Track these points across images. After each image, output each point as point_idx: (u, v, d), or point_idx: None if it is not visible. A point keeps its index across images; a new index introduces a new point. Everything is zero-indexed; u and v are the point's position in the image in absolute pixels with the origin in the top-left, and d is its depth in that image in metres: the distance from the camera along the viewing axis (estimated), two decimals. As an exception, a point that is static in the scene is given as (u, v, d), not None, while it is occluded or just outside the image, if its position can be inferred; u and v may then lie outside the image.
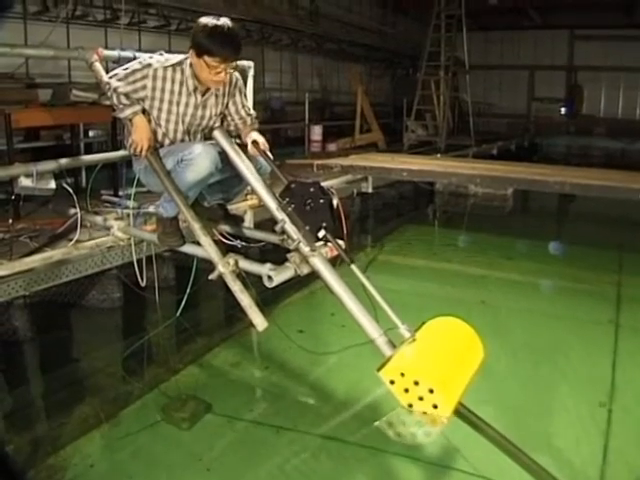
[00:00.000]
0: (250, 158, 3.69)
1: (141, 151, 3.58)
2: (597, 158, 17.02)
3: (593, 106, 19.94)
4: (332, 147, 11.89)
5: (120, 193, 5.66)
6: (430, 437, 3.20)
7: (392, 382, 2.95)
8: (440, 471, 3.18)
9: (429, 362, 2.99)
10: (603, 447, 3.32)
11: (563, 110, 20.15)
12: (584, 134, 19.00)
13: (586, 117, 19.82)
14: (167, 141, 3.70)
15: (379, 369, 2.99)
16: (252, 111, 3.91)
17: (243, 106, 3.83)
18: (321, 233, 3.37)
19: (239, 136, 3.85)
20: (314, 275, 3.45)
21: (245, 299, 3.32)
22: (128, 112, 3.58)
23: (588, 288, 6.18)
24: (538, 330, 4.99)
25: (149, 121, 3.62)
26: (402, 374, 2.92)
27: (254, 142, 3.66)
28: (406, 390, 2.92)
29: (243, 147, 3.76)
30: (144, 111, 3.61)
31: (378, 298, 3.22)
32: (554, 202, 10.94)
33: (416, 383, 2.89)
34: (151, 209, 4.70)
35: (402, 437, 3.20)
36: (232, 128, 3.86)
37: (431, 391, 2.87)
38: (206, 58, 3.42)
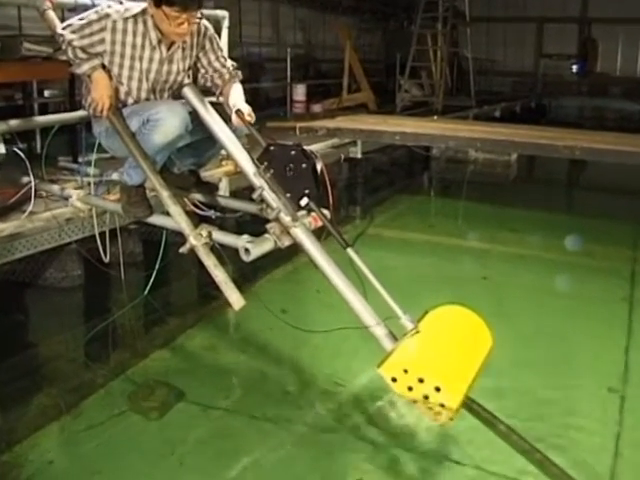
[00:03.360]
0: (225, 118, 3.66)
1: (102, 111, 3.55)
2: (612, 121, 17.07)
3: (608, 63, 19.93)
4: (317, 108, 11.83)
5: (79, 159, 5.59)
6: (423, 425, 3.24)
7: (394, 380, 2.97)
8: (439, 463, 3.21)
9: (435, 357, 3.00)
10: (615, 437, 3.36)
11: (575, 68, 20.14)
12: (598, 95, 19.03)
13: (600, 76, 19.82)
14: (131, 100, 3.67)
15: (379, 365, 3.00)
16: (229, 62, 3.87)
17: (217, 57, 3.79)
18: (304, 201, 3.36)
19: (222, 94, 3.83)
20: (297, 248, 3.45)
21: (220, 275, 3.32)
22: (85, 67, 3.54)
23: (600, 264, 6.24)
24: (544, 309, 5.02)
25: (110, 78, 3.58)
26: (405, 370, 2.94)
27: (238, 112, 3.63)
28: (410, 388, 2.94)
29: (220, 106, 3.74)
30: (104, 66, 3.57)
31: (376, 283, 3.22)
32: (563, 169, 10.99)
33: (421, 380, 2.91)
34: (114, 176, 4.66)
35: (406, 418, 3.23)
36: (209, 84, 3.84)
37: (437, 389, 2.89)
38: (165, 8, 3.37)
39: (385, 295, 3.21)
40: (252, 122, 3.64)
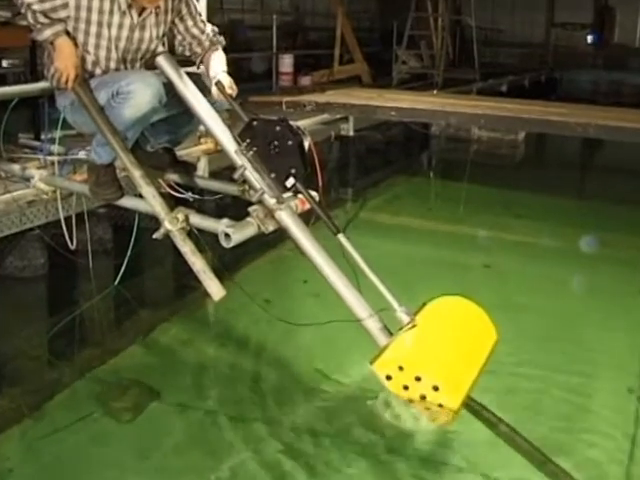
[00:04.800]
0: (203, 90, 3.65)
1: (66, 82, 3.53)
2: (630, 97, 17.03)
3: (627, 34, 19.99)
4: (305, 81, 11.80)
5: (42, 136, 5.56)
6: (419, 426, 3.26)
7: (389, 377, 2.99)
8: (437, 468, 3.24)
9: (433, 353, 3.02)
10: (630, 440, 3.39)
11: (590, 38, 20.16)
12: (615, 68, 19.03)
13: (618, 47, 19.86)
14: (98, 71, 3.66)
15: (372, 362, 3.02)
16: (209, 27, 3.87)
17: (195, 23, 3.79)
18: (290, 182, 3.37)
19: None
20: (283, 234, 3.46)
21: (198, 263, 3.32)
22: (48, 33, 3.51)
23: (613, 253, 6.27)
24: (553, 301, 5.05)
25: (76, 45, 3.56)
26: (401, 368, 2.96)
27: (218, 84, 3.62)
28: (405, 387, 2.96)
29: (198, 76, 3.73)
30: (69, 33, 3.55)
31: (369, 272, 3.23)
32: (575, 149, 11.02)
33: (418, 379, 2.93)
34: (81, 155, 4.65)
35: (400, 419, 3.24)
36: (187, 53, 3.83)
37: (436, 388, 2.92)
38: None
39: (379, 285, 3.22)
40: (234, 95, 3.64)
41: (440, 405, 2.94)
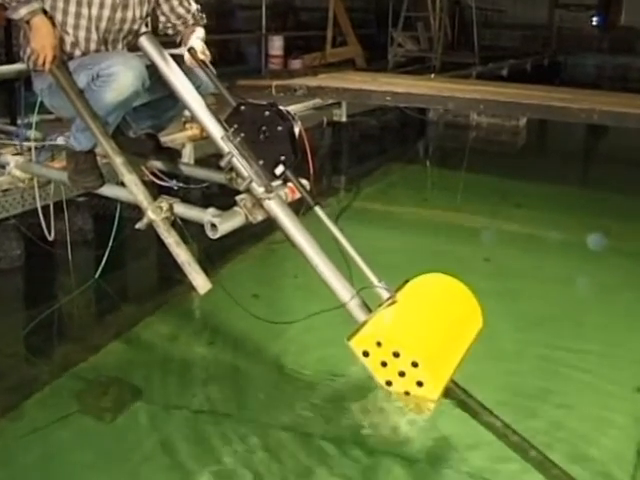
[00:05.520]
0: (188, 73, 3.64)
1: (44, 64, 3.51)
2: (637, 82, 17.10)
3: (634, 15, 19.93)
4: (296, 64, 11.79)
5: (18, 121, 5.54)
6: (415, 427, 3.26)
7: (366, 354, 2.99)
8: (434, 470, 3.25)
9: (412, 328, 3.03)
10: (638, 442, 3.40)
11: (595, 20, 20.17)
12: (621, 51, 19.07)
13: (625, 29, 19.88)
14: (78, 52, 3.65)
15: (350, 337, 3.02)
16: (194, 6, 3.87)
17: (181, 2, 3.79)
18: (279, 169, 3.37)
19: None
20: (272, 224, 3.46)
21: (182, 254, 3.32)
22: (23, 12, 3.48)
23: (619, 245, 6.28)
24: (555, 297, 5.07)
25: (54, 25, 3.54)
26: (378, 343, 2.96)
27: (191, 49, 3.62)
28: (383, 364, 2.97)
29: (182, 58, 3.72)
30: (46, 12, 3.52)
31: (349, 248, 3.24)
32: (579, 137, 11.03)
33: (396, 355, 2.93)
34: (59, 141, 4.63)
35: (380, 428, 3.25)
36: (171, 32, 3.83)
37: (415, 364, 2.92)
38: None
39: (358, 260, 3.23)
40: (207, 61, 3.64)
41: (419, 383, 2.92)
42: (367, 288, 3.20)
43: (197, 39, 3.70)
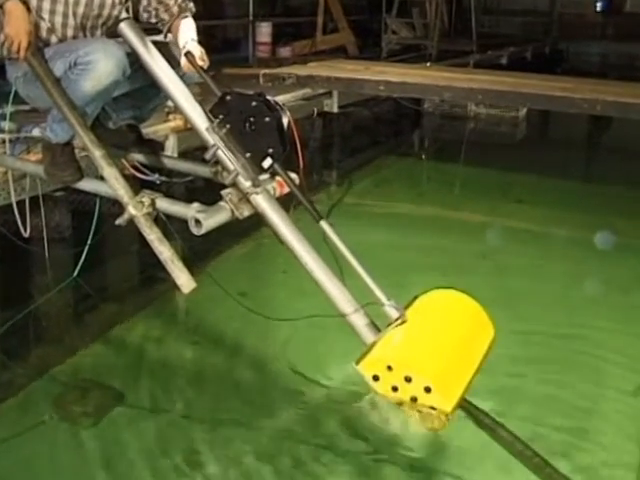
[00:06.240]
0: (171, 61, 3.64)
1: (18, 51, 3.49)
2: (643, 71, 17.18)
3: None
4: (285, 52, 11.81)
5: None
6: (407, 429, 3.27)
7: (376, 378, 3.00)
8: (425, 474, 3.27)
9: (425, 351, 3.04)
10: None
11: (599, 6, 20.22)
12: (626, 39, 19.08)
13: (630, 16, 19.91)
14: (54, 39, 3.64)
15: (358, 361, 3.03)
16: None
17: (163, -15, 3.78)
18: (267, 162, 3.37)
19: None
20: (259, 220, 3.46)
21: (165, 251, 3.32)
22: (-4, -4, 3.49)
23: (625, 241, 6.28)
24: (558, 297, 5.09)
25: (29, 10, 3.53)
26: (389, 367, 2.97)
27: (188, 54, 3.61)
28: (394, 389, 2.97)
29: (166, 46, 3.72)
30: (22, -3, 3.52)
31: (354, 262, 3.24)
32: (582, 128, 11.05)
33: (408, 379, 2.94)
34: (35, 132, 4.62)
35: (390, 423, 3.26)
36: (153, 20, 3.82)
37: (428, 390, 2.93)
38: None
39: (365, 277, 3.23)
40: (205, 67, 3.64)
41: (432, 408, 2.96)
42: (371, 304, 3.19)
43: (194, 41, 3.68)
